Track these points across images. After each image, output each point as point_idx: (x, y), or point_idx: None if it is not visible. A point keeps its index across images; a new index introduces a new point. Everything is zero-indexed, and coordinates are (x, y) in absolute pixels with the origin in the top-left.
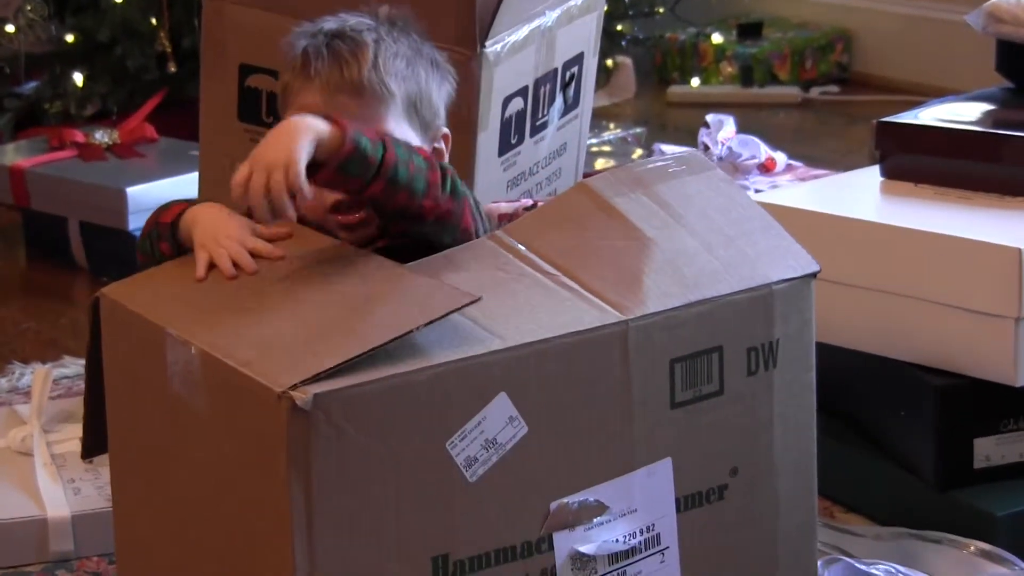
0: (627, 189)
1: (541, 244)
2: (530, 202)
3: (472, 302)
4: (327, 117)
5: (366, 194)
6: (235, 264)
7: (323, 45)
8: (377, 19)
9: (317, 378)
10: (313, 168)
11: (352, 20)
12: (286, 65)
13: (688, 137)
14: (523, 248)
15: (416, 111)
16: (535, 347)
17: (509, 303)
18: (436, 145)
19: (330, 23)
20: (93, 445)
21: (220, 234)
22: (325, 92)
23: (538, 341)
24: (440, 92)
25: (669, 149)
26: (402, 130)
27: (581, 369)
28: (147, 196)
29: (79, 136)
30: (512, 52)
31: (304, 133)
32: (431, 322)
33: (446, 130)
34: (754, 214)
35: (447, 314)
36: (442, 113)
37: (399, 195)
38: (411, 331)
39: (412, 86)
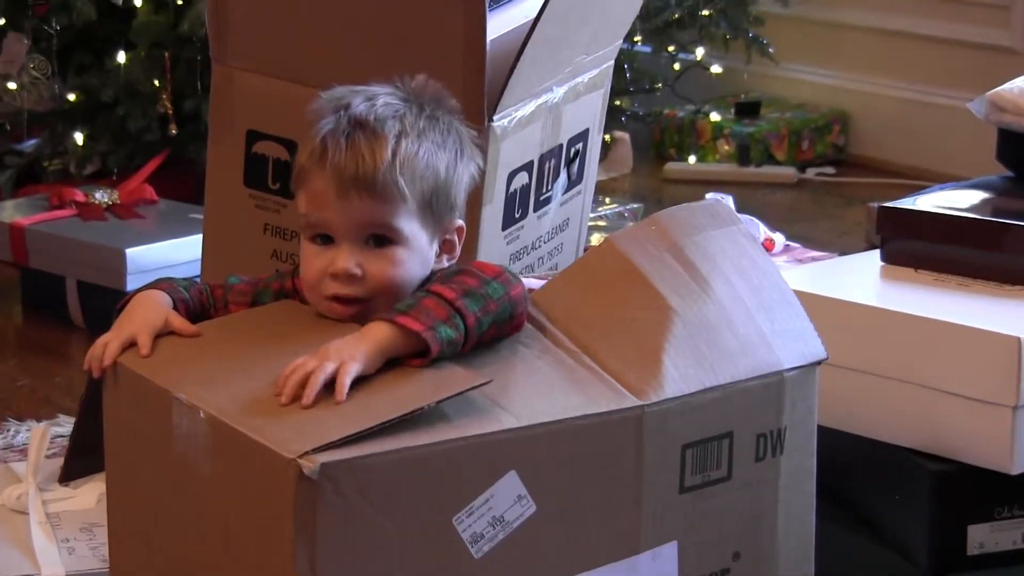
0: (652, 248)
1: (565, 316)
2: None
3: (484, 384)
4: (398, 324)
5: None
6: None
7: (343, 134)
8: (407, 95)
9: (328, 447)
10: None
11: (380, 101)
12: (304, 138)
13: None
14: (546, 321)
15: (430, 209)
16: (549, 427)
17: (526, 380)
18: (448, 237)
19: (358, 102)
20: (69, 473)
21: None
22: (337, 184)
23: (552, 422)
24: (462, 180)
25: None
26: (411, 228)
27: (593, 451)
28: (146, 257)
29: (79, 195)
30: (519, 127)
31: (374, 345)
32: (442, 400)
33: (460, 222)
34: (772, 282)
35: (459, 393)
36: (460, 201)
37: (489, 335)
38: (422, 408)
39: (429, 184)
